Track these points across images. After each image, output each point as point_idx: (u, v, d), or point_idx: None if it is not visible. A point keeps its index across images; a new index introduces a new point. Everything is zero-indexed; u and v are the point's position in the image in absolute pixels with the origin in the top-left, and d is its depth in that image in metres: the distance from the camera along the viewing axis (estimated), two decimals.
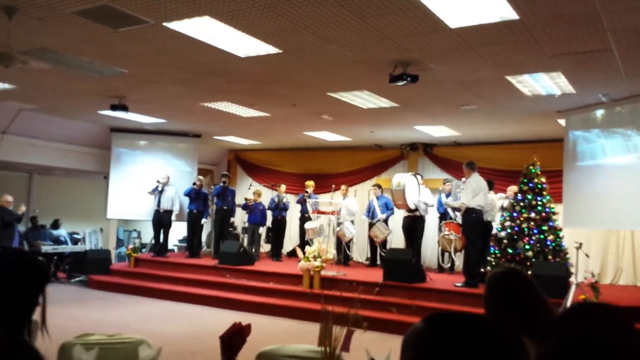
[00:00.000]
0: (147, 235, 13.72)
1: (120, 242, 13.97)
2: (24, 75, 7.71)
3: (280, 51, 6.14)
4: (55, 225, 12.55)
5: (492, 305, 2.30)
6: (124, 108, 9.15)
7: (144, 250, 12.38)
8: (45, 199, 13.71)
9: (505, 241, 8.71)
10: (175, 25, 5.55)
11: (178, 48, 6.29)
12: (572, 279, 7.73)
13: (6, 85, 8.47)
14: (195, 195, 11.63)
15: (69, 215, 13.63)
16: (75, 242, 12.67)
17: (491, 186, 9.24)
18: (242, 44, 6.02)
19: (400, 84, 6.47)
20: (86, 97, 9.16)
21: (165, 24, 5.50)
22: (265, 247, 12.70)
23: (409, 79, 6.39)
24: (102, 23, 5.59)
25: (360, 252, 12.55)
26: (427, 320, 1.03)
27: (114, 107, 9.13)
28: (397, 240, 11.20)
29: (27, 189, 13.65)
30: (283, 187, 12.20)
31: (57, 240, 12.05)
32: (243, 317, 8.47)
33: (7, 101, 9.68)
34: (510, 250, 8.58)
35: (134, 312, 8.64)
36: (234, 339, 2.56)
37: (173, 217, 11.71)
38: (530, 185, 8.71)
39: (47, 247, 11.44)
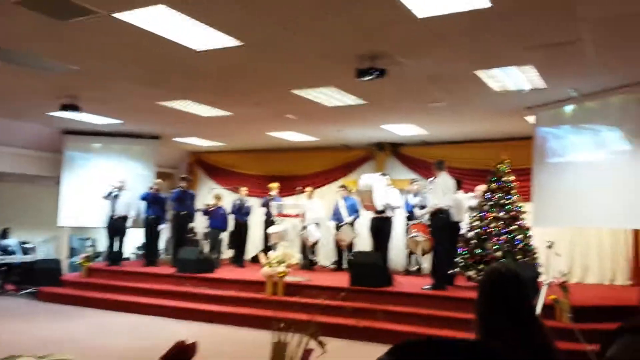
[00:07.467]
0: (103, 243, 13.11)
1: (75, 251, 13.30)
2: None
3: (241, 44, 5.79)
4: (4, 234, 11.85)
5: (485, 304, 2.11)
6: (75, 108, 8.71)
7: (98, 259, 11.80)
8: None
9: (473, 241, 8.53)
10: (126, 16, 5.15)
11: (131, 42, 5.89)
12: (542, 278, 7.59)
13: None
14: (153, 200, 11.12)
15: (20, 223, 12.88)
16: (26, 251, 11.98)
17: (458, 185, 9.05)
18: (200, 37, 5.65)
19: (367, 78, 6.19)
20: (34, 97, 8.65)
21: (115, 14, 5.10)
22: (228, 253, 12.29)
23: (376, 73, 6.12)
24: (47, 14, 5.16)
25: (327, 255, 12.23)
26: (393, 354, 0.93)
27: (64, 107, 8.66)
28: (363, 242, 10.93)
29: None
30: (244, 190, 11.80)
31: (6, 250, 11.38)
32: (202, 328, 7.96)
33: None
34: (478, 251, 8.40)
35: (86, 326, 8.10)
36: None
37: (129, 224, 11.19)
38: (499, 183, 8.54)
39: None
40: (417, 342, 0.96)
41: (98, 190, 11.17)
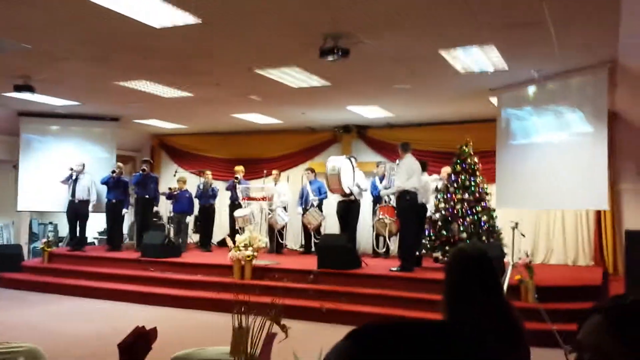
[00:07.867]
0: (65, 228, 12.77)
1: (36, 236, 12.92)
2: None
3: (200, 21, 5.58)
4: None
5: (452, 285, 2.15)
6: (30, 89, 8.36)
7: (60, 244, 11.47)
8: None
9: (439, 223, 8.55)
10: None
11: (83, 17, 5.60)
12: (507, 259, 7.64)
13: None
14: (114, 184, 10.84)
15: None
16: None
17: (424, 167, 9.04)
18: (157, 13, 5.41)
19: (330, 58, 6.06)
20: None
21: None
22: (194, 238, 12.09)
23: (340, 53, 5.99)
24: None
25: (294, 239, 12.15)
26: (352, 338, 0.85)
27: (18, 88, 8.31)
28: (331, 225, 10.87)
29: None
30: (209, 173, 11.60)
31: None
32: (168, 313, 7.79)
33: None
34: (445, 232, 8.43)
35: (47, 312, 7.90)
36: (136, 346, 2.10)
37: (90, 208, 10.90)
38: (464, 166, 8.58)
39: None
40: (378, 325, 0.84)
41: (57, 173, 10.86)
